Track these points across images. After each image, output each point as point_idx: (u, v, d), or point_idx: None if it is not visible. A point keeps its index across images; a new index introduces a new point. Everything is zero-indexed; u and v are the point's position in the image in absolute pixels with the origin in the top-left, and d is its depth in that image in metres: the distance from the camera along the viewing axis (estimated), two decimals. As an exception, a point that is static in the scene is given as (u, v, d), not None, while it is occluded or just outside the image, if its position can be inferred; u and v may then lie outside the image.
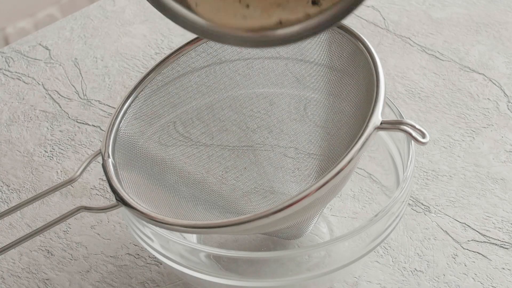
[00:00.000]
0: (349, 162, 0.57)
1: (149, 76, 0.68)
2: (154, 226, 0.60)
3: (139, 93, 0.68)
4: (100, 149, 0.64)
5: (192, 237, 0.70)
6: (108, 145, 0.64)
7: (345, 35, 0.65)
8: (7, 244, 0.64)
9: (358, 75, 0.65)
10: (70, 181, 0.64)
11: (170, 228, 0.59)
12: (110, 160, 0.63)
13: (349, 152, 0.57)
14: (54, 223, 0.63)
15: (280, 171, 0.72)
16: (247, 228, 0.57)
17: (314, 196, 0.56)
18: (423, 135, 0.57)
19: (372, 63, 0.62)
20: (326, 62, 0.68)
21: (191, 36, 0.94)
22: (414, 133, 0.57)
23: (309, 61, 0.69)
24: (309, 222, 0.66)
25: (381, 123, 0.58)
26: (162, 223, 0.59)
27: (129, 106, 0.67)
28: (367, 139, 0.58)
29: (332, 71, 0.68)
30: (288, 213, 0.56)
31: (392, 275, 0.69)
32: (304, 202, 0.56)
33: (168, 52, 0.92)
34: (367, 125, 0.58)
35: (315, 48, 0.68)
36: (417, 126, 0.58)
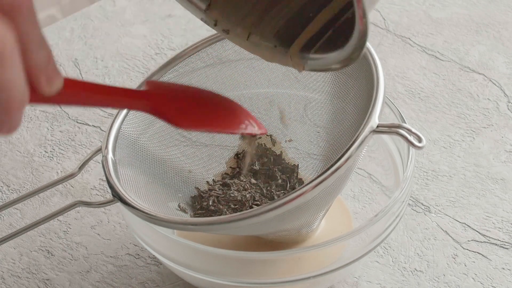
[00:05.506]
0: (342, 165, 0.57)
1: (151, 77, 0.68)
2: (151, 224, 0.60)
3: None
4: (101, 146, 0.65)
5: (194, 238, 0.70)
6: (109, 142, 0.64)
7: None
8: (3, 236, 0.64)
9: (360, 78, 0.65)
10: (70, 176, 0.65)
11: (164, 224, 0.59)
12: (110, 156, 0.63)
13: (343, 155, 0.57)
14: (52, 217, 0.63)
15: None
16: (240, 225, 0.57)
17: (305, 197, 0.56)
18: (419, 139, 0.57)
19: (373, 67, 0.62)
20: None
21: (191, 37, 0.94)
22: (410, 137, 0.57)
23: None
24: (309, 226, 0.66)
25: (377, 126, 0.58)
26: (156, 219, 0.59)
27: None
28: (362, 142, 0.58)
29: (333, 72, 0.68)
30: (280, 211, 0.56)
31: (392, 275, 0.69)
32: (293, 203, 0.56)
33: (168, 52, 0.92)
34: (363, 128, 0.58)
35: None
36: (413, 130, 0.57)
